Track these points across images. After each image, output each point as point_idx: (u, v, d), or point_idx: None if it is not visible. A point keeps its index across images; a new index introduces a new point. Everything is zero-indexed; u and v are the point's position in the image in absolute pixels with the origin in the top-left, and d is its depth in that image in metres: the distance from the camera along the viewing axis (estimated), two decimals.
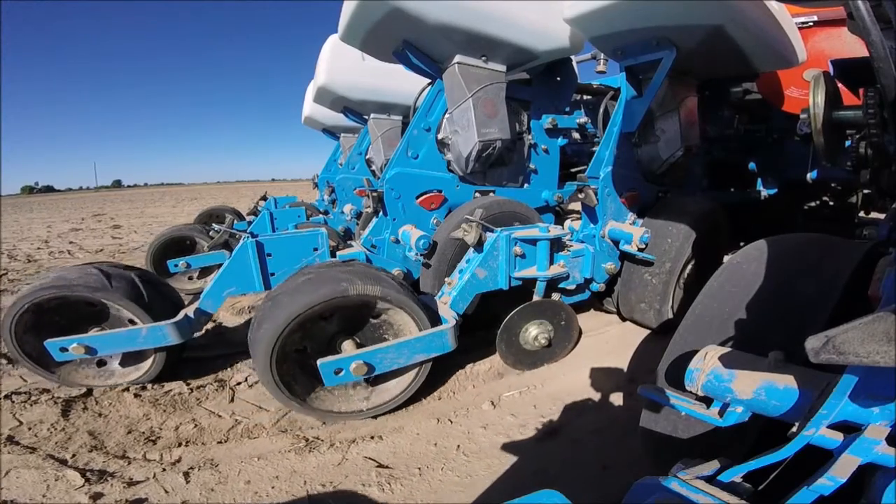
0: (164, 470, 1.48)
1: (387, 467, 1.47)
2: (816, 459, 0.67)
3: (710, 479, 0.78)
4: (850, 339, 0.52)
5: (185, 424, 1.75)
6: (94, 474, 1.46)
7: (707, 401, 0.91)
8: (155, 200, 22.91)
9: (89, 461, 1.54)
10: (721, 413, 0.87)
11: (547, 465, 1.46)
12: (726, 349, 0.92)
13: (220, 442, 1.65)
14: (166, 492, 1.39)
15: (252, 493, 1.38)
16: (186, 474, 1.46)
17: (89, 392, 1.94)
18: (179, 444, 1.64)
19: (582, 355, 2.25)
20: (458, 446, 1.57)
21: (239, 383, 2.06)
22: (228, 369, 2.20)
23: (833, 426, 0.67)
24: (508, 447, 1.56)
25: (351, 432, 1.68)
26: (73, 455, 1.57)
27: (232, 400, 1.94)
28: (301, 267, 1.91)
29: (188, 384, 2.04)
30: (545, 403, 1.82)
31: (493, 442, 1.59)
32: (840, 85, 1.37)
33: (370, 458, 1.52)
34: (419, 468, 1.46)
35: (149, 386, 2.00)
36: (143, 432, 1.71)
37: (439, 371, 1.86)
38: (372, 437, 1.64)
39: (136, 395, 1.93)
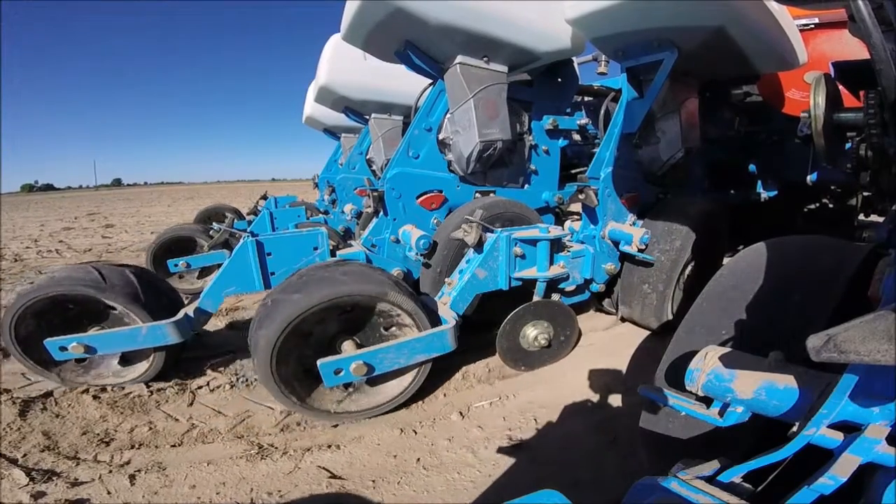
0: (111, 472, 1.48)
1: (340, 478, 1.43)
2: (816, 460, 0.68)
3: (710, 479, 0.78)
4: (851, 337, 0.53)
5: (140, 427, 1.74)
6: (39, 474, 1.46)
7: (707, 401, 0.91)
8: (152, 200, 22.74)
9: (39, 461, 1.53)
10: (721, 413, 0.87)
11: (507, 485, 1.40)
12: (727, 349, 0.92)
13: (173, 445, 1.64)
14: (109, 493, 1.39)
15: (195, 498, 1.36)
16: (132, 476, 1.45)
17: (49, 393, 1.93)
18: (132, 447, 1.63)
19: (577, 358, 2.23)
20: (419, 459, 1.52)
21: (200, 387, 2.03)
22: (193, 373, 2.16)
23: (833, 426, 0.67)
24: (470, 463, 1.50)
25: (308, 440, 1.65)
26: (25, 455, 1.57)
27: (191, 404, 1.92)
28: (336, 259, 1.96)
29: (148, 387, 2.00)
30: (515, 416, 1.76)
31: (456, 456, 1.53)
32: (841, 87, 1.37)
33: (324, 468, 1.48)
34: (374, 480, 1.42)
35: (108, 388, 1.98)
36: (98, 434, 1.70)
37: None
38: (329, 447, 1.59)
39: (94, 397, 1.92)
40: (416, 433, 1.67)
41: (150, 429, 1.73)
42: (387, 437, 1.65)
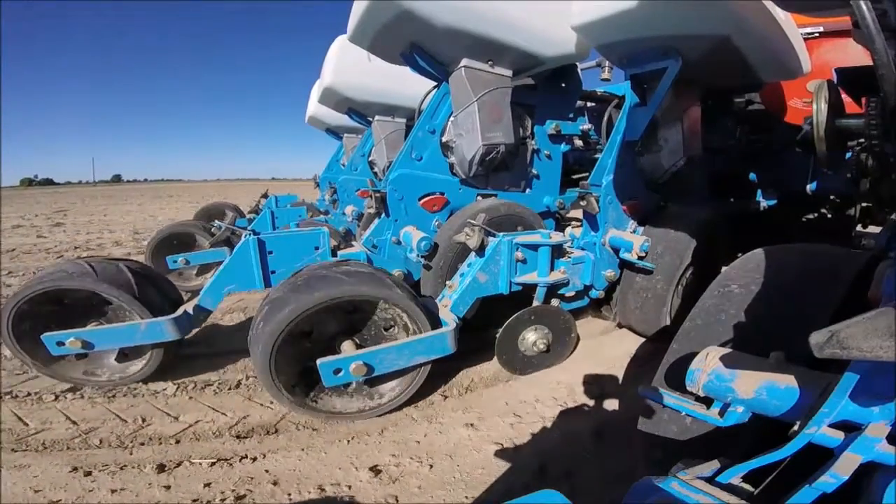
0: None
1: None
2: (815, 461, 0.68)
3: (710, 480, 0.78)
4: (854, 333, 0.53)
5: None
6: None
7: (707, 401, 0.91)
8: (130, 198, 21.51)
9: None
10: (721, 413, 0.87)
11: None
12: (727, 350, 0.92)
13: None
14: None
15: None
16: None
17: None
18: None
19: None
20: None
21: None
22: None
23: (834, 425, 0.68)
24: None
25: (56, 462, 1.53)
26: None
27: None
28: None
29: None
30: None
31: None
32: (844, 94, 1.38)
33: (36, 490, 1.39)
34: None
35: None
36: None
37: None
38: (84, 471, 1.48)
39: None
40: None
41: None
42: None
